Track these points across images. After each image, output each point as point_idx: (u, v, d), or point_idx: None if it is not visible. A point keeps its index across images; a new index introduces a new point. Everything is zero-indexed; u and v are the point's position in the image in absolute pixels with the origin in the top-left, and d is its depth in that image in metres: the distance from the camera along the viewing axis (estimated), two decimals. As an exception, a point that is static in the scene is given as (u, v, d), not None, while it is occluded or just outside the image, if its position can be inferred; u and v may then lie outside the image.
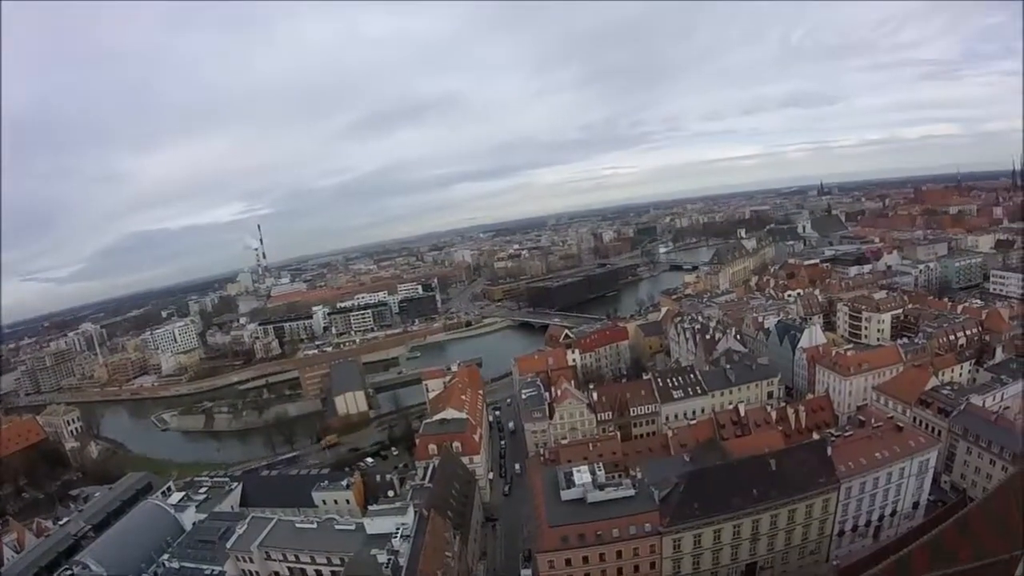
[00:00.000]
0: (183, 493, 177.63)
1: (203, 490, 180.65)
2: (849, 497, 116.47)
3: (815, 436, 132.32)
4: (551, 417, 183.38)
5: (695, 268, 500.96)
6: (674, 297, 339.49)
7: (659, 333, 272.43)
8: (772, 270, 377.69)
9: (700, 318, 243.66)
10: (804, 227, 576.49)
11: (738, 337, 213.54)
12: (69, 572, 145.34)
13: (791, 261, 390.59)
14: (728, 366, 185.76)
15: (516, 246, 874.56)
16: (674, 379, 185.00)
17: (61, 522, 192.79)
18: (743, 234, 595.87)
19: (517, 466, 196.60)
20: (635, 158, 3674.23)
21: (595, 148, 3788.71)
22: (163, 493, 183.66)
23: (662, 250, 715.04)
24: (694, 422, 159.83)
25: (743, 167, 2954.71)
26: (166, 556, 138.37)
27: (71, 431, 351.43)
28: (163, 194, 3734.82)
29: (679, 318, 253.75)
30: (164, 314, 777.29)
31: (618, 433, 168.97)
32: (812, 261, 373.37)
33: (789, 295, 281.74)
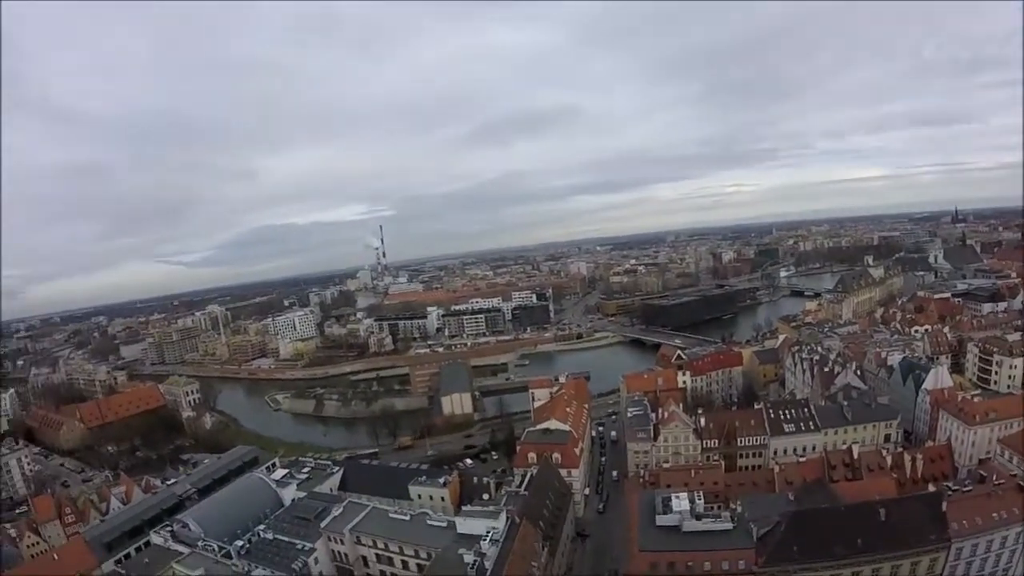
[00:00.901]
0: (286, 471, 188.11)
1: (306, 470, 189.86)
2: (959, 558, 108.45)
3: (931, 488, 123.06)
4: (655, 439, 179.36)
5: (817, 295, 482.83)
6: (793, 324, 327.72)
7: (775, 361, 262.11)
8: (899, 302, 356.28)
9: (819, 349, 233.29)
10: (936, 257, 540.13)
11: (858, 372, 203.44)
12: (169, 528, 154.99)
13: (920, 294, 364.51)
14: (845, 403, 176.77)
15: (633, 261, 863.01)
16: (787, 412, 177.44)
17: (169, 482, 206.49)
18: (870, 261, 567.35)
19: (615, 473, 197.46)
20: (758, 176, 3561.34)
21: (716, 164, 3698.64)
22: (268, 468, 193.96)
23: (783, 274, 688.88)
24: (803, 459, 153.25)
25: (871, 189, 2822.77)
26: (262, 527, 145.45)
27: (189, 401, 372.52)
28: (291, 192, 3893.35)
29: (797, 347, 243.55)
30: (286, 303, 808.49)
31: (722, 463, 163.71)
32: (943, 295, 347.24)
33: (916, 331, 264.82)
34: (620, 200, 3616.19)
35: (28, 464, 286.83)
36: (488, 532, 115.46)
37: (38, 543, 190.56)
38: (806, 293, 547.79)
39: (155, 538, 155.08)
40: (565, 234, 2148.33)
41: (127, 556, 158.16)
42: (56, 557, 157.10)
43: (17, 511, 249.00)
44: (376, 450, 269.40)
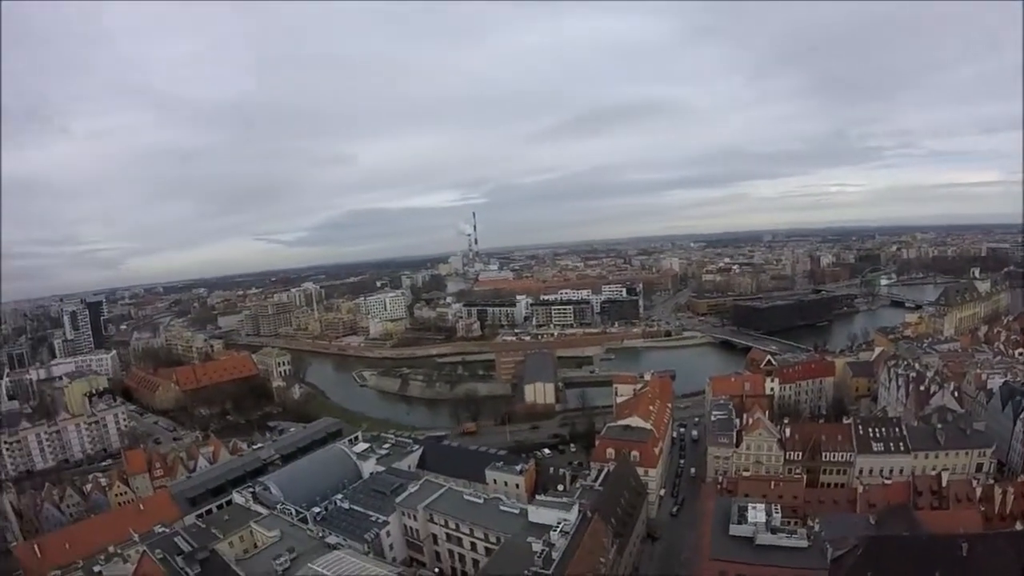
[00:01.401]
0: (368, 445, 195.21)
1: (387, 446, 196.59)
2: None
3: (1019, 526, 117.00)
4: (737, 445, 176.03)
5: (918, 307, 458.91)
6: (891, 337, 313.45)
7: (868, 375, 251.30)
8: (1005, 321, 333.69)
9: (916, 365, 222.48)
10: None
11: (955, 394, 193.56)
12: (251, 489, 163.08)
13: None
14: (939, 426, 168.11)
15: (727, 260, 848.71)
16: (876, 429, 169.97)
17: (255, 447, 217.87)
18: (976, 274, 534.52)
19: (693, 470, 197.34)
20: (863, 175, 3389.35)
21: (818, 162, 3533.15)
22: (350, 441, 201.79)
23: (883, 282, 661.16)
24: (889, 481, 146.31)
25: (982, 195, 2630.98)
26: (340, 496, 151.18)
27: (280, 372, 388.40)
28: (387, 177, 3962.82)
29: (893, 362, 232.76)
30: (378, 284, 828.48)
31: (804, 476, 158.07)
32: None
33: (1021, 354, 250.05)
34: (717, 196, 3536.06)
35: (124, 420, 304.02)
36: (559, 523, 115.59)
37: (126, 493, 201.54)
38: (907, 304, 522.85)
39: (237, 497, 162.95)
40: (658, 229, 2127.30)
41: (209, 512, 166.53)
42: (142, 507, 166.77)
43: (110, 462, 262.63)
44: (444, 433, 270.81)
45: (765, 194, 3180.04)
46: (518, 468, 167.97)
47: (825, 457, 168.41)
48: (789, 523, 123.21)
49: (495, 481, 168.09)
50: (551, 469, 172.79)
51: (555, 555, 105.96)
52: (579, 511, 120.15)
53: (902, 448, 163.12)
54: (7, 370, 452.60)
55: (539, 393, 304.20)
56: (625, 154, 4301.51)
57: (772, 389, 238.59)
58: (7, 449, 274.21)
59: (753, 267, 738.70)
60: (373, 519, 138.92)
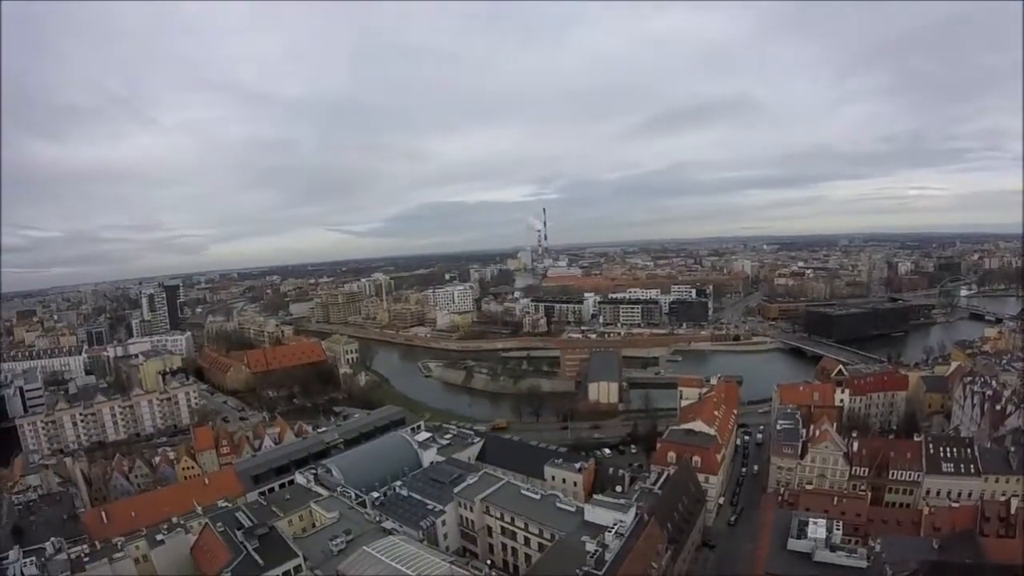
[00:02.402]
0: (430, 434, 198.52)
1: (448, 436, 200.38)
2: None
3: None
4: (802, 457, 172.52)
5: (999, 321, 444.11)
6: (968, 352, 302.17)
7: (943, 391, 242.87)
8: None
9: (993, 383, 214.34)
10: None
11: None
12: (313, 471, 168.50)
13: None
14: (1012, 448, 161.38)
15: (800, 263, 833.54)
16: (947, 449, 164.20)
17: (319, 430, 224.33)
18: None
19: (756, 467, 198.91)
20: (945, 179, 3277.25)
21: (899, 163, 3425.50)
22: (412, 429, 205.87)
23: (963, 293, 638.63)
24: (956, 505, 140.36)
25: None
26: (399, 483, 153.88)
27: (347, 359, 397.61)
28: (460, 172, 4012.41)
29: (969, 378, 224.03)
30: (447, 276, 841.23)
31: (869, 494, 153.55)
32: None
33: None
34: (792, 197, 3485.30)
35: (195, 398, 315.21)
36: (615, 524, 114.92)
37: (192, 467, 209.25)
38: (987, 317, 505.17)
39: (299, 478, 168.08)
40: (731, 229, 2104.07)
41: (271, 490, 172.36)
42: (207, 482, 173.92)
43: (179, 438, 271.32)
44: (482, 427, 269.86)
45: (843, 196, 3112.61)
46: (577, 466, 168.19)
47: (892, 475, 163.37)
48: (850, 541, 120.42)
49: (553, 478, 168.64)
50: (610, 469, 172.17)
51: (608, 556, 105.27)
52: (635, 514, 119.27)
53: (972, 470, 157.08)
54: (86, 347, 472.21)
55: (603, 392, 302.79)
56: (700, 152, 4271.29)
57: (842, 400, 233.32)
58: (82, 420, 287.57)
59: (827, 272, 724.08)
60: (430, 507, 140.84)
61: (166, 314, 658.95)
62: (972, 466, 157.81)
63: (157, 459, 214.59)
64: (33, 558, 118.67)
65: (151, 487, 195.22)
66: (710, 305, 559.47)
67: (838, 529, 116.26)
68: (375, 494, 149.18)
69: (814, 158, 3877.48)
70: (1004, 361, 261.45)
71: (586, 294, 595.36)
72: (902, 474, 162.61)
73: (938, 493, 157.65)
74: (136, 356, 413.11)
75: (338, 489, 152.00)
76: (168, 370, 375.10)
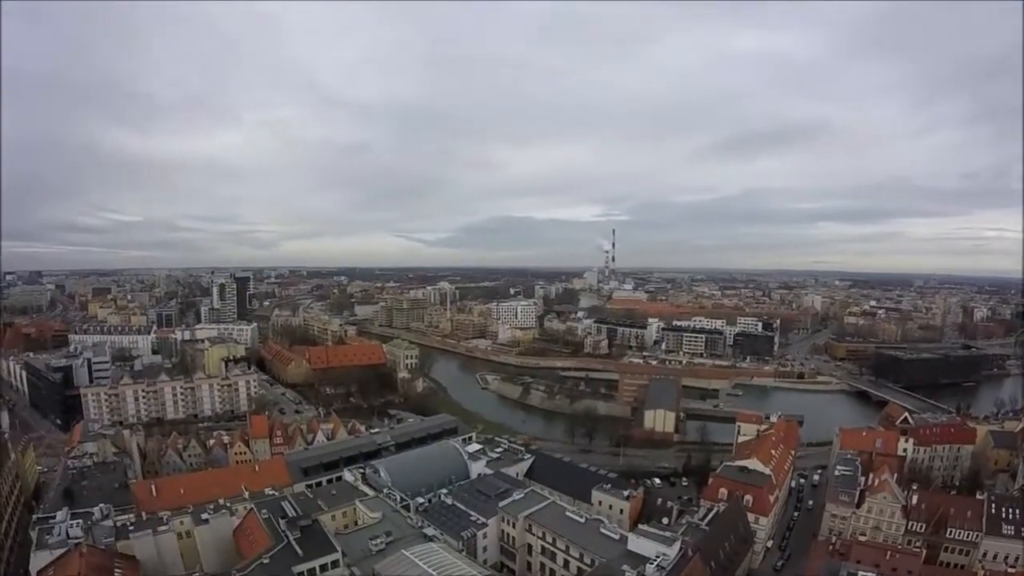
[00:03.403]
0: (481, 446, 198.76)
1: (499, 450, 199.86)
2: None
3: None
4: (858, 506, 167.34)
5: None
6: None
7: (1012, 447, 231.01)
8: None
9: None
10: None
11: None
12: (362, 470, 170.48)
13: None
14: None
15: (873, 303, 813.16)
16: (1010, 510, 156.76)
17: (372, 431, 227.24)
18: None
19: (809, 512, 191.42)
20: None
21: (979, 201, 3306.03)
22: (464, 440, 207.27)
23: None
24: (1013, 571, 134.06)
25: None
26: (444, 491, 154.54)
27: (407, 364, 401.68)
28: (531, 186, 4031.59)
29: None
30: (512, 291, 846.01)
31: (924, 551, 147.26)
32: None
33: None
34: (867, 232, 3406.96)
35: (254, 387, 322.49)
36: (657, 557, 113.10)
37: (245, 453, 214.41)
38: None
39: (347, 475, 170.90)
40: (802, 263, 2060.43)
41: (319, 484, 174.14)
42: (257, 469, 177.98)
43: (235, 423, 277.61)
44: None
45: (918, 234, 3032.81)
46: (625, 494, 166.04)
47: (949, 533, 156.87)
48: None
49: (600, 503, 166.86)
50: (659, 500, 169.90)
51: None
52: (680, 548, 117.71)
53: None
54: (155, 328, 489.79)
55: (659, 420, 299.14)
56: (774, 179, 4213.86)
57: (905, 450, 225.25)
58: (143, 396, 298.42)
59: (900, 313, 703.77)
60: (473, 519, 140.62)
61: (235, 304, 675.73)
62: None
63: (211, 441, 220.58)
64: (80, 521, 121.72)
65: (202, 467, 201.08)
66: (776, 340, 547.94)
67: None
68: (420, 499, 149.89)
69: (891, 191, 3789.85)
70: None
71: (650, 319, 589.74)
72: (960, 533, 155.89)
73: (995, 557, 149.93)
74: (202, 341, 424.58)
75: (384, 490, 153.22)
76: (231, 358, 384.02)
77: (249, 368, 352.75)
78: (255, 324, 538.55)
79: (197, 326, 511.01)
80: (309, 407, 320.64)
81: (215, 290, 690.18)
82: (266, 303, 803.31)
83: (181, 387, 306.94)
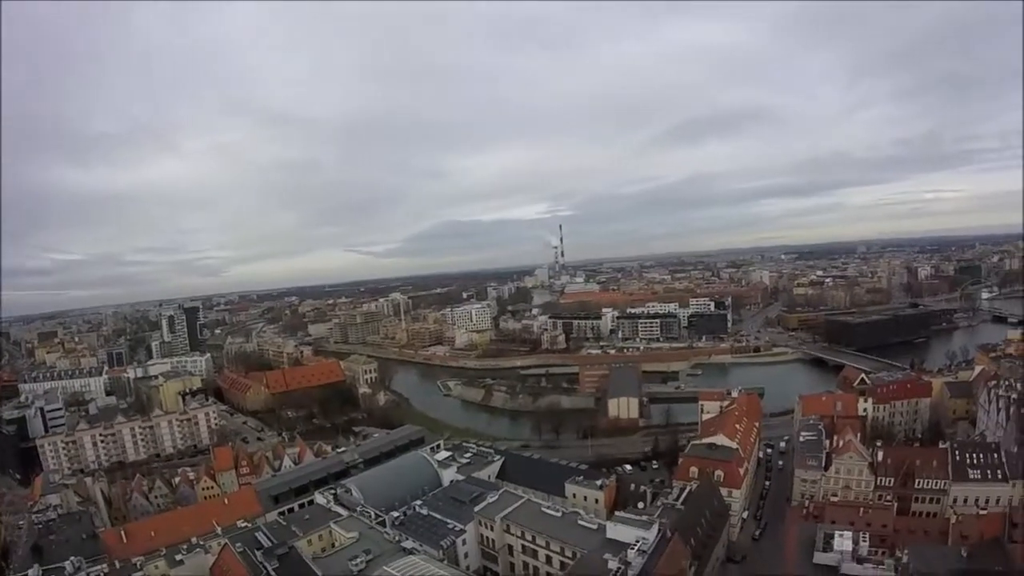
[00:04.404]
0: (449, 453, 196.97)
1: (468, 455, 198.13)
2: None
3: None
4: (826, 469, 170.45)
5: (1022, 323, 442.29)
6: (992, 355, 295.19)
7: (967, 396, 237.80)
8: None
9: (1018, 387, 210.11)
10: None
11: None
12: (333, 491, 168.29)
13: None
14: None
15: (819, 272, 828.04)
16: (974, 455, 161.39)
17: (339, 450, 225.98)
18: None
19: (780, 480, 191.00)
20: (962, 180, 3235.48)
21: (915, 167, 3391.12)
22: (432, 448, 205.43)
23: (985, 296, 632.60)
24: (984, 512, 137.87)
25: None
26: (419, 502, 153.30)
27: (366, 379, 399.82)
28: (478, 190, 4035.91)
29: (994, 382, 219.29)
30: (464, 295, 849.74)
31: (895, 504, 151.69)
32: None
33: None
34: (808, 205, 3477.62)
35: (214, 419, 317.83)
36: (637, 541, 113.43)
37: (212, 488, 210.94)
38: (1009, 320, 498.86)
39: (319, 498, 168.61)
40: (748, 240, 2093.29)
41: (291, 510, 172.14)
42: (226, 502, 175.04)
43: (199, 458, 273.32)
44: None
45: (859, 202, 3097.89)
46: (598, 483, 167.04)
47: (918, 484, 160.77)
48: (876, 553, 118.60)
49: (574, 495, 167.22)
50: (632, 486, 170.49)
51: (631, 574, 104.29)
52: (658, 530, 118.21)
53: (1000, 476, 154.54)
54: (106, 368, 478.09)
55: (623, 408, 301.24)
56: (717, 163, 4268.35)
57: (865, 410, 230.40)
58: (102, 441, 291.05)
59: (846, 280, 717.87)
60: (450, 526, 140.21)
61: (186, 335, 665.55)
62: (999, 472, 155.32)
63: (177, 479, 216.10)
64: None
65: (171, 507, 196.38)
66: (729, 317, 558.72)
67: (864, 541, 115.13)
68: (395, 513, 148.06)
69: (830, 165, 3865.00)
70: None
71: (604, 310, 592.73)
72: (928, 483, 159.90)
73: (965, 501, 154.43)
74: (156, 377, 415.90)
75: (358, 509, 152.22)
76: (188, 391, 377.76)
77: (207, 400, 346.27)
78: (208, 354, 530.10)
79: (149, 362, 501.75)
80: (272, 433, 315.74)
81: (164, 323, 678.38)
82: (217, 331, 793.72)
83: (139, 427, 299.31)
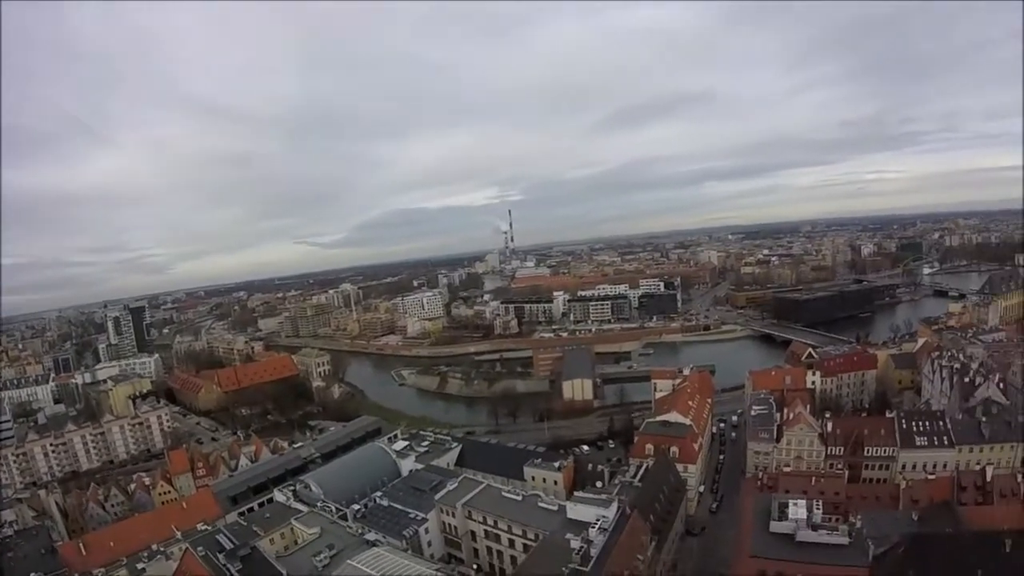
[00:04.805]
0: (407, 443, 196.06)
1: (425, 444, 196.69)
2: None
3: None
4: (778, 440, 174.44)
5: (962, 296, 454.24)
6: (934, 328, 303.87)
7: (912, 367, 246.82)
8: None
9: (960, 356, 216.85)
10: None
11: (1001, 386, 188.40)
12: (292, 488, 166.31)
13: None
14: (984, 419, 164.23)
15: (766, 251, 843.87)
16: (919, 423, 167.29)
17: (296, 445, 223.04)
18: (1022, 261, 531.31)
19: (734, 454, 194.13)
20: (903, 161, 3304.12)
21: (858, 148, 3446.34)
22: (389, 439, 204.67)
23: (926, 271, 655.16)
24: (932, 477, 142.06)
25: None
26: (379, 494, 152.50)
27: (320, 372, 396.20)
28: (425, 178, 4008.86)
29: (937, 353, 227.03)
30: (415, 283, 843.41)
31: (846, 472, 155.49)
32: None
33: None
34: (755, 187, 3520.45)
35: (167, 421, 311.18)
36: (598, 520, 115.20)
37: (169, 492, 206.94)
38: (950, 293, 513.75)
39: (278, 496, 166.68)
40: (696, 221, 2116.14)
41: (250, 510, 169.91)
42: (184, 506, 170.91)
43: (154, 462, 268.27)
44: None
45: (804, 183, 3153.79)
46: (556, 465, 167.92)
47: (867, 452, 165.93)
48: (830, 520, 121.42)
49: (533, 478, 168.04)
50: (589, 466, 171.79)
51: (593, 552, 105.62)
52: (618, 508, 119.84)
53: (946, 442, 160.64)
54: (53, 375, 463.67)
55: (577, 390, 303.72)
56: (664, 146, 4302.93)
57: (813, 383, 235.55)
58: (53, 451, 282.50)
59: (792, 258, 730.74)
60: (412, 516, 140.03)
61: (133, 337, 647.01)
62: (945, 438, 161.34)
63: (133, 486, 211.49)
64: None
65: (128, 515, 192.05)
66: (679, 297, 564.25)
67: (818, 509, 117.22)
68: (356, 507, 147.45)
69: (776, 147, 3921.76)
70: (970, 335, 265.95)
71: (555, 293, 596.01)
72: (877, 450, 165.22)
73: (914, 467, 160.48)
74: (105, 382, 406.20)
75: (318, 504, 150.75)
76: (138, 394, 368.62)
77: (158, 402, 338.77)
78: (157, 355, 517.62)
79: (97, 366, 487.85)
80: (227, 432, 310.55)
81: (110, 325, 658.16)
82: (166, 331, 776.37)
83: (91, 434, 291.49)
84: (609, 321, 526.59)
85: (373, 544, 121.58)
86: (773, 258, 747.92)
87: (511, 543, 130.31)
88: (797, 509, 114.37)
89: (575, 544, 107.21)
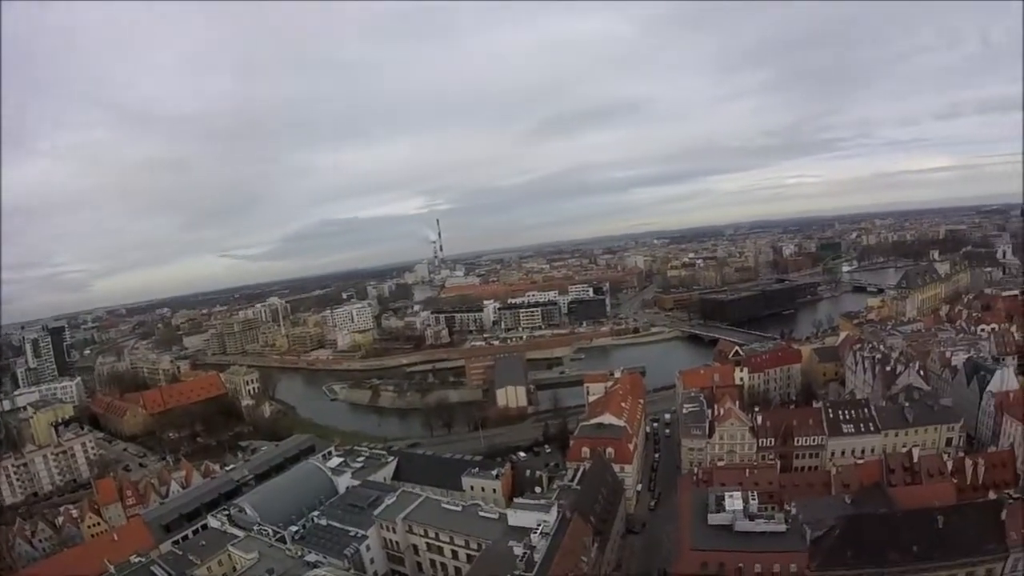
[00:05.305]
0: (342, 459, 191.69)
1: (361, 459, 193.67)
2: (1016, 569, 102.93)
3: (991, 495, 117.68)
4: (710, 436, 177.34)
5: (880, 291, 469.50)
6: (855, 322, 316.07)
7: (835, 359, 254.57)
8: (965, 299, 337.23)
9: (881, 347, 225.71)
10: (1004, 252, 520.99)
11: (921, 373, 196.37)
12: (226, 512, 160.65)
13: (987, 291, 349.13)
14: (907, 404, 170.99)
15: (691, 255, 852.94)
16: (846, 412, 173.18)
17: (227, 468, 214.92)
18: (936, 256, 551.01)
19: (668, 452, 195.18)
20: (821, 167, 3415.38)
21: (779, 155, 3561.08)
22: (324, 456, 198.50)
23: (845, 269, 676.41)
24: (861, 462, 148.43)
25: (938, 180, 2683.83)
26: (316, 513, 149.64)
27: (249, 390, 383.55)
28: (355, 187, 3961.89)
29: (858, 345, 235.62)
30: (344, 295, 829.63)
31: (778, 462, 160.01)
32: (1011, 292, 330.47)
33: (982, 330, 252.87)
34: (679, 192, 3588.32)
35: (92, 449, 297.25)
36: (539, 525, 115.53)
37: (99, 524, 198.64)
38: (869, 289, 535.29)
39: (212, 521, 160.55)
40: (622, 227, 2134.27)
41: (184, 538, 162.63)
42: (116, 537, 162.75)
43: (81, 493, 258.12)
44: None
45: (727, 189, 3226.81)
46: (494, 473, 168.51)
47: (797, 442, 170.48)
48: (766, 509, 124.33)
49: (472, 488, 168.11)
50: (527, 472, 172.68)
51: (537, 557, 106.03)
52: (558, 512, 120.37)
53: (872, 428, 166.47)
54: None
55: (511, 397, 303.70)
56: (592, 155, 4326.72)
57: (742, 379, 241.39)
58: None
59: (717, 261, 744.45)
60: (352, 534, 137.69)
61: (53, 360, 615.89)
62: (871, 424, 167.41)
63: (60, 519, 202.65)
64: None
65: (58, 550, 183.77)
66: (607, 302, 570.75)
67: (754, 499, 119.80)
68: (294, 528, 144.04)
69: (701, 154, 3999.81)
70: (889, 327, 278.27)
71: (485, 302, 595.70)
72: (807, 440, 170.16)
73: (843, 453, 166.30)
74: (24, 409, 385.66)
75: (255, 528, 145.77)
76: (61, 420, 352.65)
77: (82, 429, 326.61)
78: (79, 378, 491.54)
79: (16, 392, 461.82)
80: (155, 457, 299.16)
81: (28, 348, 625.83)
82: (87, 352, 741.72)
83: (12, 465, 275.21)
84: (540, 328, 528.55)
85: (314, 566, 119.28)
86: (698, 261, 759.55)
87: (454, 554, 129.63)
88: (733, 501, 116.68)
89: (518, 551, 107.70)
